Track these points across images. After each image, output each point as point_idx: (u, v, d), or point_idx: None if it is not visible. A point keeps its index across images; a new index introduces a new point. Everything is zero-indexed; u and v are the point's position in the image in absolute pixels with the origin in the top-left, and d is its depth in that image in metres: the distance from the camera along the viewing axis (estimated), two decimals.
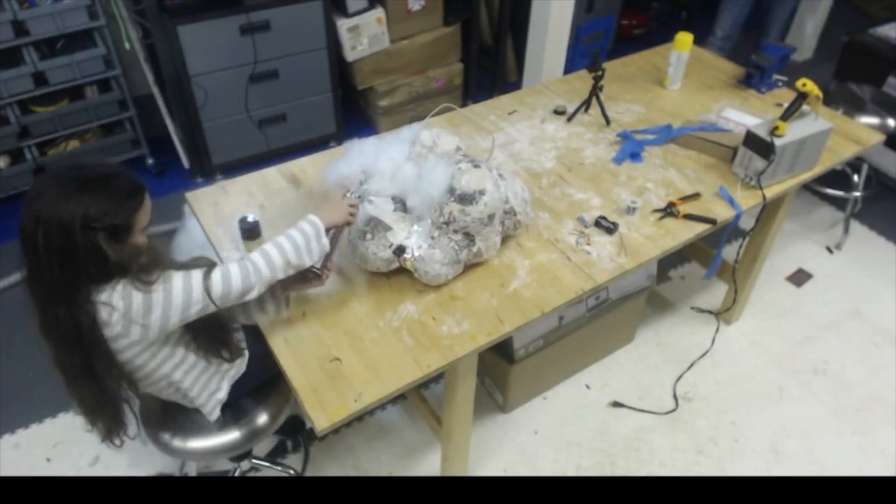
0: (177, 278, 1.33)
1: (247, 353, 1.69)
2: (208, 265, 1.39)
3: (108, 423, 1.48)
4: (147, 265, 1.32)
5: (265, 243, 1.45)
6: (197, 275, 1.34)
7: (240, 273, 1.38)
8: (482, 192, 1.60)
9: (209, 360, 1.56)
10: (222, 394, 1.65)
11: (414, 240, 1.65)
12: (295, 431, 2.21)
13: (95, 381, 1.39)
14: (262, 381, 1.74)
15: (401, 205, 1.72)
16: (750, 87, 2.48)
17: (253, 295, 1.41)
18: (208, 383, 1.61)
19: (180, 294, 1.32)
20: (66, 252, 1.24)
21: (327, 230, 1.51)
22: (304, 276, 1.53)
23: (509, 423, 2.34)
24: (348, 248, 1.73)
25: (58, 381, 2.44)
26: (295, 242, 1.44)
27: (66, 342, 1.33)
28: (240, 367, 1.68)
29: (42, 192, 1.25)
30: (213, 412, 1.66)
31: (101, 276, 1.28)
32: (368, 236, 1.65)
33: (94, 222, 1.24)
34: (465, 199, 1.60)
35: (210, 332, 1.51)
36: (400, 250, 1.64)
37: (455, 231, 1.64)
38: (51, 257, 1.25)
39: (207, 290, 1.34)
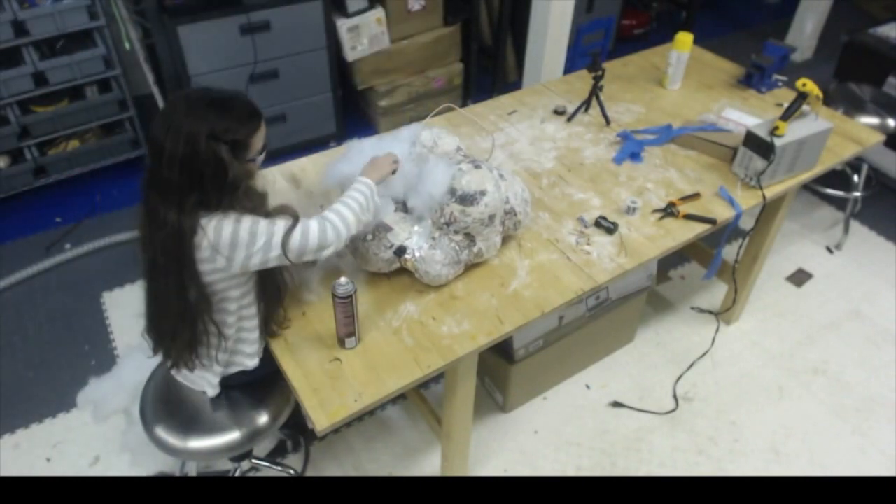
0: (263, 224, 1.44)
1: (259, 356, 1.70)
2: (293, 218, 1.49)
3: (182, 349, 1.58)
4: (252, 189, 1.47)
5: (335, 203, 1.54)
6: (280, 227, 1.45)
7: (317, 230, 1.48)
8: (483, 193, 1.60)
9: (259, 312, 1.62)
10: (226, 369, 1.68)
11: (415, 240, 1.65)
12: (297, 430, 2.21)
13: (183, 297, 1.48)
14: (260, 378, 1.74)
15: (401, 205, 1.72)
16: (750, 87, 2.48)
17: (329, 252, 1.51)
18: (241, 342, 1.65)
19: (262, 238, 1.44)
20: (188, 158, 1.36)
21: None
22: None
23: (509, 423, 2.34)
24: (349, 248, 1.73)
25: (58, 381, 2.45)
26: (359, 202, 1.55)
27: (168, 249, 1.42)
28: (253, 360, 1.68)
29: (175, 108, 1.40)
30: (215, 386, 1.69)
31: (214, 190, 1.40)
32: (369, 237, 1.65)
33: (219, 136, 1.38)
34: (466, 199, 1.60)
35: (272, 289, 1.60)
36: (401, 251, 1.64)
37: (456, 231, 1.64)
38: (174, 161, 1.36)
39: (284, 244, 1.45)
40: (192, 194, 1.39)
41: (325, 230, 1.49)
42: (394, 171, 1.69)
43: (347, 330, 1.51)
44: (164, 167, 1.37)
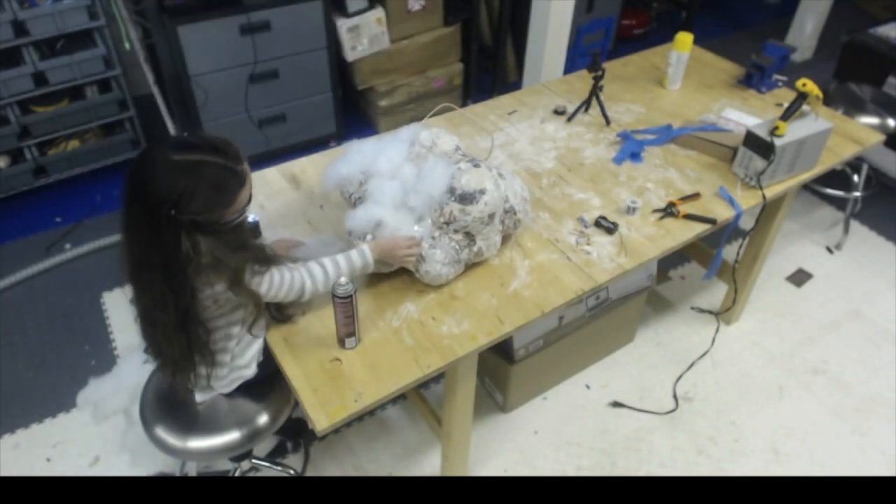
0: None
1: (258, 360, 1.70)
2: (269, 264, 1.47)
3: (181, 373, 1.58)
4: (210, 265, 1.37)
5: (324, 260, 1.55)
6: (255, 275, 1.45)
7: (292, 287, 1.51)
8: (482, 192, 1.60)
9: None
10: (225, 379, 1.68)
11: None
12: (296, 433, 2.21)
13: (185, 334, 1.47)
14: (260, 379, 1.74)
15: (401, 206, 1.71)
16: (750, 87, 2.48)
17: (301, 300, 1.56)
18: (238, 357, 1.65)
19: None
20: (151, 230, 1.32)
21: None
22: None
23: (509, 423, 2.34)
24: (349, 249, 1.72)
25: (58, 381, 2.45)
26: (342, 269, 1.56)
27: (160, 303, 1.40)
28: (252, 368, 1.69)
29: (152, 161, 1.31)
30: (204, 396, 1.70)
31: (179, 258, 1.35)
32: (369, 237, 1.65)
33: (180, 213, 1.31)
34: (466, 198, 1.59)
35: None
36: None
37: (455, 231, 1.64)
38: (140, 229, 1.34)
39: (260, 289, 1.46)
40: (164, 256, 1.35)
41: (304, 289, 1.52)
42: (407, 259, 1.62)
43: (347, 330, 1.51)
44: (133, 230, 1.35)
